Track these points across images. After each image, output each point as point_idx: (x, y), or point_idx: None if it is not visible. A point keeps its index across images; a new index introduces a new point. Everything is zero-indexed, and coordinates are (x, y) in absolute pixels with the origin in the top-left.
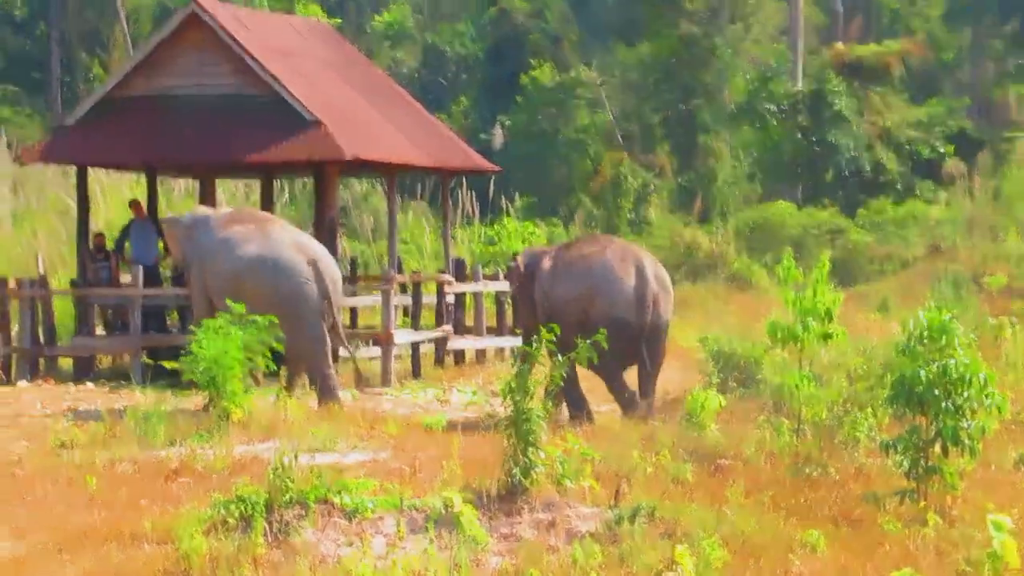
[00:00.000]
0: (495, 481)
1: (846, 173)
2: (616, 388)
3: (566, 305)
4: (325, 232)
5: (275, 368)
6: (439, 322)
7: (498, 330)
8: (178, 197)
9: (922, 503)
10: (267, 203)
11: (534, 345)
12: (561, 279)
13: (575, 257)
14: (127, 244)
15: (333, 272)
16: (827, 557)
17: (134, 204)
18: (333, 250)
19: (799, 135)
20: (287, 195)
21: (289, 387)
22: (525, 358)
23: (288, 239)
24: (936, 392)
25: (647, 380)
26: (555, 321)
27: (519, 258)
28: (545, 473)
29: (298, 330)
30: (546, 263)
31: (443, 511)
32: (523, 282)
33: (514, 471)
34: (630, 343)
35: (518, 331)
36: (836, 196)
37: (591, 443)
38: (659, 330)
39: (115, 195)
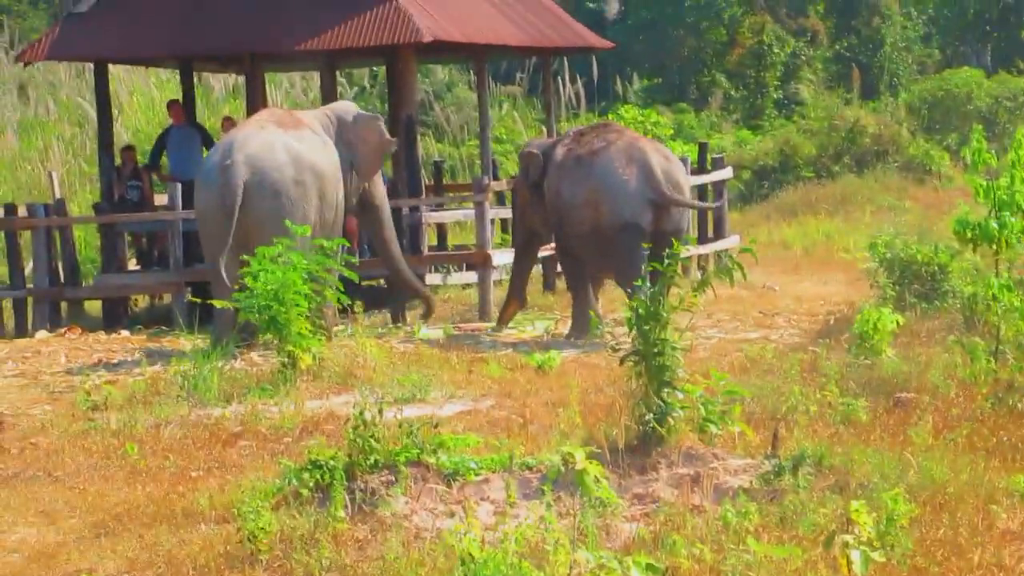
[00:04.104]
0: (623, 430)
1: None
2: None
3: (572, 210)
4: (401, 132)
5: (349, 302)
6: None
7: None
8: (220, 97)
9: None
10: (330, 100)
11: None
12: (567, 178)
13: (583, 153)
14: (164, 156)
15: (230, 182)
16: None
17: (173, 105)
18: (412, 155)
19: None
20: (354, 89)
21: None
22: (657, 278)
23: (223, 142)
24: None
25: None
26: (564, 226)
27: (529, 150)
28: (684, 418)
29: None
30: (558, 155)
31: (562, 469)
32: (530, 179)
33: (646, 417)
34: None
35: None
36: None
37: (739, 378)
38: (677, 237)
39: (143, 97)
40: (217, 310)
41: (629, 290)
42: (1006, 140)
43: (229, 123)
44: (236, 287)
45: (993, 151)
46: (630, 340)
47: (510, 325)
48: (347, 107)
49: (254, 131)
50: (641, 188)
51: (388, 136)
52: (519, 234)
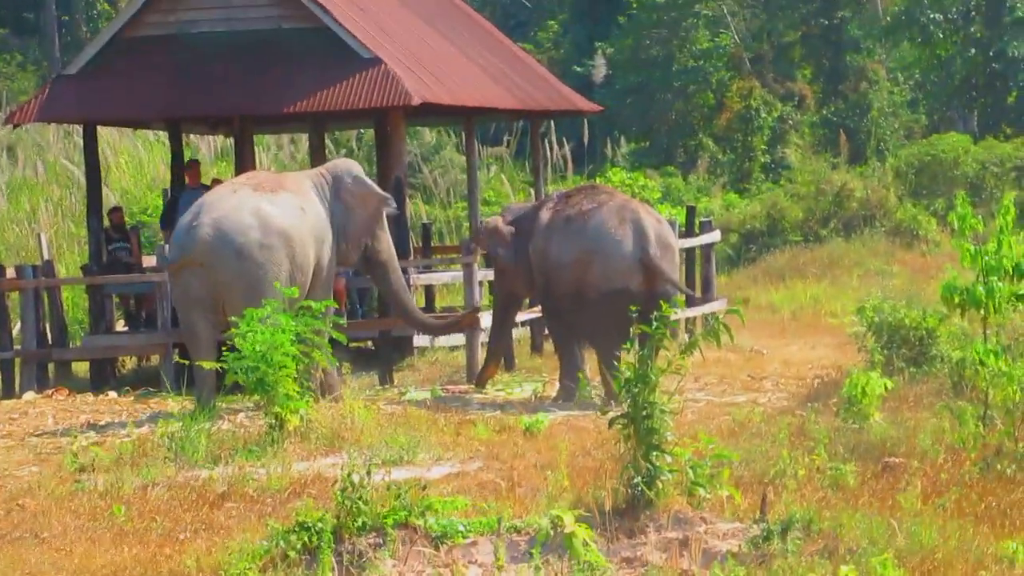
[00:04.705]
0: (612, 494)
1: None
2: (613, 368)
3: (560, 270)
4: (390, 193)
5: (336, 363)
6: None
7: None
8: (208, 159)
9: None
10: (318, 162)
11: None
12: (556, 238)
13: (573, 214)
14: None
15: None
16: None
17: (192, 166)
18: (401, 217)
19: (972, 49)
20: (342, 151)
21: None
22: (646, 340)
23: (195, 204)
24: None
25: None
26: (551, 288)
27: (500, 217)
28: (673, 481)
29: None
30: (544, 217)
31: (550, 532)
32: (511, 243)
33: (635, 480)
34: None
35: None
36: (1021, 124)
37: (727, 442)
38: (667, 299)
39: (131, 159)
40: (199, 371)
41: (601, 357)
42: (993, 205)
43: (194, 171)
44: (225, 348)
45: (980, 216)
46: (618, 402)
47: (498, 387)
48: (347, 166)
49: (225, 194)
50: (634, 249)
51: (382, 193)
52: (499, 296)
